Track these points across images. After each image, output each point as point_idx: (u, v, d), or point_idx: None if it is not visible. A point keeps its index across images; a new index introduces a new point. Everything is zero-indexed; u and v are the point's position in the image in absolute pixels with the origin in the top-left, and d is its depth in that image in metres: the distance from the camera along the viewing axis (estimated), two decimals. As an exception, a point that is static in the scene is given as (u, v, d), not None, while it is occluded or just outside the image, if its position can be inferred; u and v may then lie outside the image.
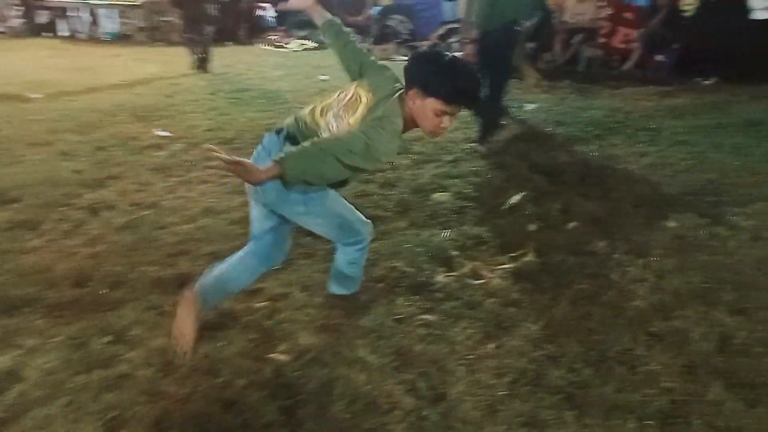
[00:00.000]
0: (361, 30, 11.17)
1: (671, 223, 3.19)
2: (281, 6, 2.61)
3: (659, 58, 7.44)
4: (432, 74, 1.87)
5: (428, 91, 1.87)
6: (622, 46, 8.10)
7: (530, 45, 7.78)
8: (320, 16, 2.28)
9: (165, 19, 11.48)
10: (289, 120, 2.08)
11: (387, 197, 3.58)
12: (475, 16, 4.47)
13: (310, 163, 1.76)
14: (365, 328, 2.32)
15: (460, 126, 5.15)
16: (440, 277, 2.71)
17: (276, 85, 7.31)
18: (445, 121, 1.92)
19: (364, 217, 2.29)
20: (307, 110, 2.07)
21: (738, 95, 6.06)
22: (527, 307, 2.47)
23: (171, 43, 10.85)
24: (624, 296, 2.53)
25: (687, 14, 7.43)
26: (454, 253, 2.93)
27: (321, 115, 2.02)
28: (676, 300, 2.48)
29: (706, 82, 6.75)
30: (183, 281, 2.42)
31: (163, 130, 5.05)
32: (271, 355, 2.15)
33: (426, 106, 1.89)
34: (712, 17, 7.01)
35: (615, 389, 1.98)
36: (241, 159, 1.70)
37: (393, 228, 3.19)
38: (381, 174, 3.92)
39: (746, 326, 2.29)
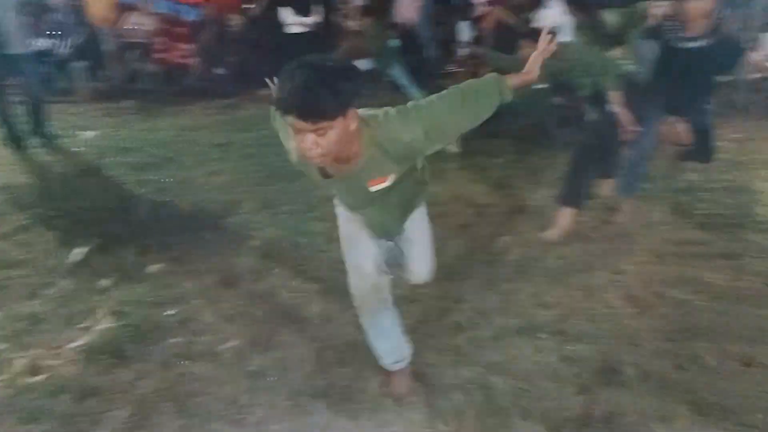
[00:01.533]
0: None
1: (255, 242, 3.15)
2: None
3: (219, 71, 7.60)
4: None
5: None
6: (181, 60, 8.00)
7: (81, 64, 6.97)
8: None
9: None
10: None
11: None
12: None
13: None
14: None
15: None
16: (-17, 389, 2.01)
17: None
18: (304, 139, 1.47)
19: (368, 268, 1.91)
20: None
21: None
22: (111, 389, 2.02)
23: None
24: (219, 338, 2.32)
25: (234, 29, 7.78)
26: (2, 346, 2.23)
27: None
28: (272, 326, 2.40)
29: (264, 92, 7.18)
30: None
31: None
32: None
33: None
34: (256, 31, 7.50)
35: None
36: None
37: None
38: None
39: (337, 333, 2.36)
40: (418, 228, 2.04)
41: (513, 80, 1.74)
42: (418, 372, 2.10)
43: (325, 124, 1.44)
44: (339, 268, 2.87)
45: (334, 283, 2.73)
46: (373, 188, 1.73)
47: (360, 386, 2.06)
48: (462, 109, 1.66)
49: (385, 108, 1.66)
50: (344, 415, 1.93)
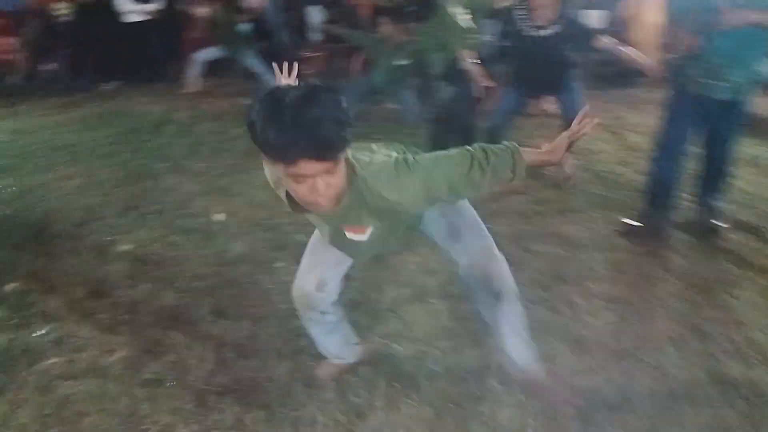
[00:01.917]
0: None
1: (125, 246, 2.93)
2: None
3: (50, 66, 6.88)
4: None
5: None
6: (2, 56, 7.11)
7: None
8: None
9: None
10: None
11: None
12: None
13: None
14: None
15: None
16: None
17: None
18: (315, 184, 1.26)
19: (305, 281, 1.78)
20: None
21: (140, 96, 6.19)
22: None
23: None
24: (103, 351, 2.15)
25: (64, 19, 7.05)
26: None
27: None
28: (161, 330, 2.27)
29: (107, 86, 6.65)
30: None
31: None
32: None
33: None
34: (91, 21, 6.87)
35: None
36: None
37: None
38: None
39: (233, 328, 2.29)
40: (453, 220, 1.77)
41: (532, 157, 1.48)
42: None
43: (340, 157, 1.25)
44: (222, 263, 2.80)
45: (219, 279, 2.66)
46: (350, 236, 1.58)
47: (267, 375, 2.03)
48: (465, 179, 1.42)
49: (378, 157, 1.46)
50: (255, 405, 1.89)
